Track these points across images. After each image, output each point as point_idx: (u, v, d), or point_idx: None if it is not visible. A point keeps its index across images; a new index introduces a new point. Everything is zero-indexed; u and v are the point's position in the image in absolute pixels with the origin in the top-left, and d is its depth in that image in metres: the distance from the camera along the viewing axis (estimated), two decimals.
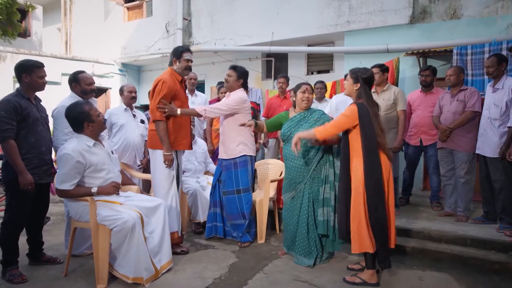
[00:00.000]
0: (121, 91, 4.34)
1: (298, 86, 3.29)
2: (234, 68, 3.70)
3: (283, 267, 3.09)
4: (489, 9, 5.08)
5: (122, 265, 2.68)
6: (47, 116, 3.06)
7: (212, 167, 4.60)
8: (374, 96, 4.31)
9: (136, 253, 2.63)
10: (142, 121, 4.42)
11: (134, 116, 4.33)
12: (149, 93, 3.48)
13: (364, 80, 2.77)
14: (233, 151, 3.60)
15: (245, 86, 3.73)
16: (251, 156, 3.66)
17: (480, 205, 4.09)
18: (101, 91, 8.55)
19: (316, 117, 3.17)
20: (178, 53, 3.41)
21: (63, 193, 2.70)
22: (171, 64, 3.45)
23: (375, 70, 4.21)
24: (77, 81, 3.26)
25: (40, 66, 2.88)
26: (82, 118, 2.74)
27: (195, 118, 5.09)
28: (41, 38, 13.73)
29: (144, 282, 2.66)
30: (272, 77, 7.43)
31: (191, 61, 3.45)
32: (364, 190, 2.64)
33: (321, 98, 5.08)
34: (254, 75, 7.59)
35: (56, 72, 7.69)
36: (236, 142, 3.58)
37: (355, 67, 2.94)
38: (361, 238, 2.64)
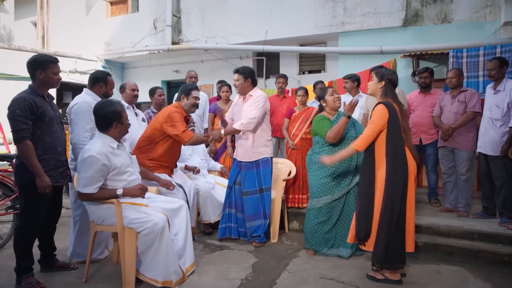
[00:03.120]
0: (123, 88, 4.17)
1: (323, 92, 3.39)
2: (237, 71, 3.62)
3: (305, 266, 3.12)
4: (478, 14, 5.36)
5: (149, 268, 2.60)
6: (60, 114, 2.91)
7: (213, 163, 4.57)
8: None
9: (165, 256, 2.57)
10: (143, 120, 4.30)
11: (136, 114, 4.20)
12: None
13: (390, 80, 2.83)
14: (255, 154, 3.60)
15: (254, 83, 3.68)
16: (271, 156, 3.69)
17: (476, 201, 4.32)
18: (84, 88, 8.21)
19: (352, 121, 3.35)
20: (187, 90, 3.46)
21: (86, 197, 2.58)
22: (179, 99, 3.50)
23: None
24: (106, 82, 3.19)
25: (55, 61, 2.73)
26: (113, 118, 2.64)
27: (196, 117, 5.04)
28: (10, 31, 12.98)
29: (173, 285, 2.60)
30: (264, 76, 7.44)
31: (199, 99, 3.53)
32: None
33: None
34: None
35: None
36: (258, 145, 3.59)
37: (377, 66, 3.03)
38: None
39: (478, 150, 3.86)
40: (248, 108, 3.54)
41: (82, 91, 3.31)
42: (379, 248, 2.69)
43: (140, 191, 2.65)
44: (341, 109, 4.47)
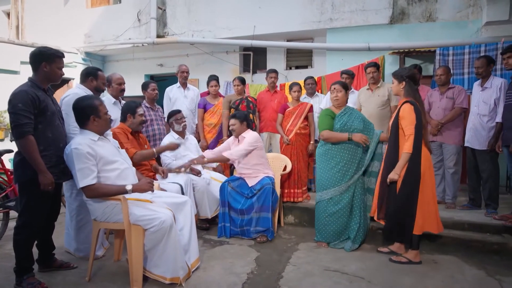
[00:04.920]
0: (108, 81, 3.82)
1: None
2: (234, 116, 3.93)
3: (307, 259, 3.17)
4: (461, 13, 5.56)
5: (157, 265, 2.58)
6: (60, 109, 2.81)
7: None
8: (369, 93, 4.57)
9: (173, 253, 2.55)
10: None
11: None
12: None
13: (408, 77, 3.00)
14: (259, 177, 3.85)
15: (249, 126, 3.99)
16: (273, 176, 3.96)
17: (460, 193, 4.51)
18: (63, 81, 7.93)
19: (361, 116, 3.50)
20: (133, 109, 3.49)
21: (93, 193, 2.48)
22: (124, 120, 3.51)
23: (372, 69, 4.43)
24: (97, 77, 3.16)
25: (61, 56, 2.65)
26: (90, 111, 2.58)
27: (188, 112, 4.98)
28: None
29: (181, 281, 2.58)
30: (251, 71, 7.43)
31: (144, 115, 3.60)
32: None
33: (312, 94, 5.18)
34: (231, 69, 7.54)
35: (15, 59, 6.99)
36: (262, 172, 3.87)
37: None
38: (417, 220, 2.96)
39: (466, 144, 4.03)
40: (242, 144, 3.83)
41: (61, 84, 3.26)
42: (389, 220, 3.00)
43: (149, 185, 2.60)
44: (351, 103, 4.61)
